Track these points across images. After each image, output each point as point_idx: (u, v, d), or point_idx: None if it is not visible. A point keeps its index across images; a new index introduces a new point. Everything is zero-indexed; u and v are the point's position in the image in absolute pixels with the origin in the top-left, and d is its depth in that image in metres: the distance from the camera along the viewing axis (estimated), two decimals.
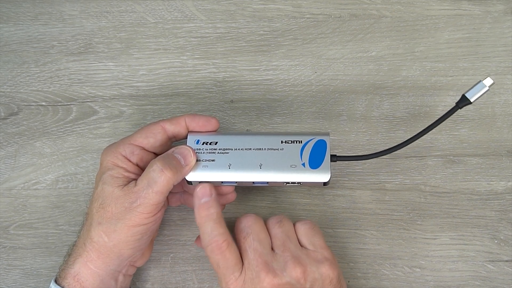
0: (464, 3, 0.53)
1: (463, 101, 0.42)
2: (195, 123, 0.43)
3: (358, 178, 0.49)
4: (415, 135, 0.43)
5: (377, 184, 0.49)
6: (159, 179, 0.39)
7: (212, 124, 0.43)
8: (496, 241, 0.47)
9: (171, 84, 0.52)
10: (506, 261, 0.47)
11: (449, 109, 0.42)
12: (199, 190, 0.40)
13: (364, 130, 0.50)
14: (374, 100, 0.51)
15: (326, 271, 0.39)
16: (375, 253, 0.47)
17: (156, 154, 0.43)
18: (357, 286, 0.47)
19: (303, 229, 0.42)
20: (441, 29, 0.52)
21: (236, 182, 0.42)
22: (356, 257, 0.47)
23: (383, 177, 0.49)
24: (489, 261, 0.47)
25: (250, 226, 0.40)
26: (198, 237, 0.44)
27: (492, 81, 0.41)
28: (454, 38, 0.52)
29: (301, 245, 0.41)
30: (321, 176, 0.41)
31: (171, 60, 0.53)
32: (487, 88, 0.41)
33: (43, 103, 0.52)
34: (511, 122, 0.50)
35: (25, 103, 0.52)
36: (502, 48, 0.52)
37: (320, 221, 0.48)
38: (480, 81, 0.42)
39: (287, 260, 0.39)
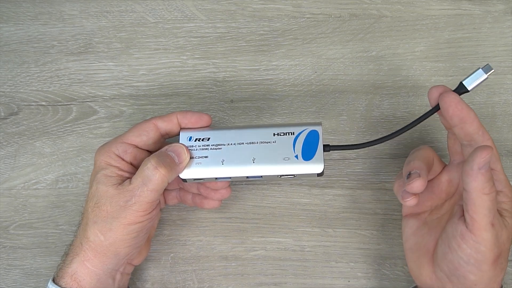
0: (464, 3, 0.53)
1: (460, 89, 0.40)
2: (187, 120, 0.43)
3: (358, 178, 0.49)
4: (412, 122, 0.41)
5: (377, 184, 0.49)
6: (153, 176, 0.39)
7: (204, 120, 0.43)
8: None
9: (171, 84, 0.52)
10: None
11: None
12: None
13: (364, 130, 0.50)
14: (374, 100, 0.51)
15: None
16: (375, 253, 0.47)
17: (149, 152, 0.43)
18: (357, 285, 0.47)
19: None
20: (441, 29, 0.52)
21: (230, 177, 0.42)
22: (356, 257, 0.47)
23: (383, 177, 0.49)
24: None
25: None
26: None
27: (492, 69, 0.39)
28: (454, 38, 0.52)
29: None
30: (314, 167, 0.41)
31: (171, 60, 0.53)
32: (485, 76, 0.39)
33: (43, 103, 0.52)
34: (511, 122, 0.50)
35: (25, 103, 0.52)
36: (502, 48, 0.52)
37: (320, 221, 0.48)
38: (479, 68, 0.40)
39: None
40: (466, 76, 0.40)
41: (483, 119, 0.50)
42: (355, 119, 0.51)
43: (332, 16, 0.53)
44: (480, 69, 0.40)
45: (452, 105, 0.38)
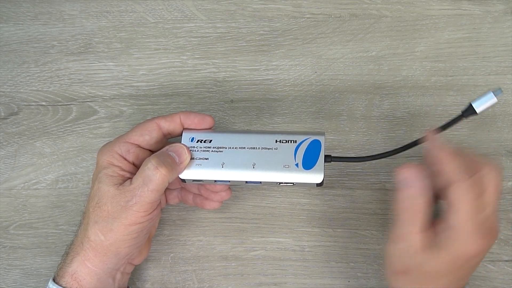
0: (464, 3, 0.53)
1: (469, 111, 0.40)
2: (190, 121, 0.43)
3: (358, 178, 0.49)
4: (413, 142, 0.42)
5: (377, 184, 0.49)
6: (154, 177, 0.39)
7: (207, 122, 0.43)
8: (496, 241, 0.47)
9: (171, 84, 0.52)
10: (506, 261, 0.47)
11: (453, 117, 0.41)
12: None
13: (364, 130, 0.50)
14: (374, 100, 0.51)
15: None
16: (375, 253, 0.47)
17: (152, 152, 0.43)
18: (357, 285, 0.47)
19: None
20: (441, 29, 0.52)
21: (229, 181, 0.42)
22: (356, 257, 0.47)
23: (383, 177, 0.49)
24: (489, 261, 0.47)
25: None
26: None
27: (501, 91, 0.39)
28: (454, 38, 0.52)
29: None
30: (314, 177, 0.41)
31: (171, 60, 0.53)
32: (495, 100, 0.39)
33: (43, 103, 0.52)
34: (511, 122, 0.50)
35: (25, 103, 0.52)
36: (502, 48, 0.52)
37: (320, 221, 0.48)
38: (490, 91, 0.39)
39: None
40: (476, 98, 0.40)
41: (483, 119, 0.50)
42: (355, 119, 0.51)
43: (332, 16, 0.53)
44: (491, 92, 0.39)
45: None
